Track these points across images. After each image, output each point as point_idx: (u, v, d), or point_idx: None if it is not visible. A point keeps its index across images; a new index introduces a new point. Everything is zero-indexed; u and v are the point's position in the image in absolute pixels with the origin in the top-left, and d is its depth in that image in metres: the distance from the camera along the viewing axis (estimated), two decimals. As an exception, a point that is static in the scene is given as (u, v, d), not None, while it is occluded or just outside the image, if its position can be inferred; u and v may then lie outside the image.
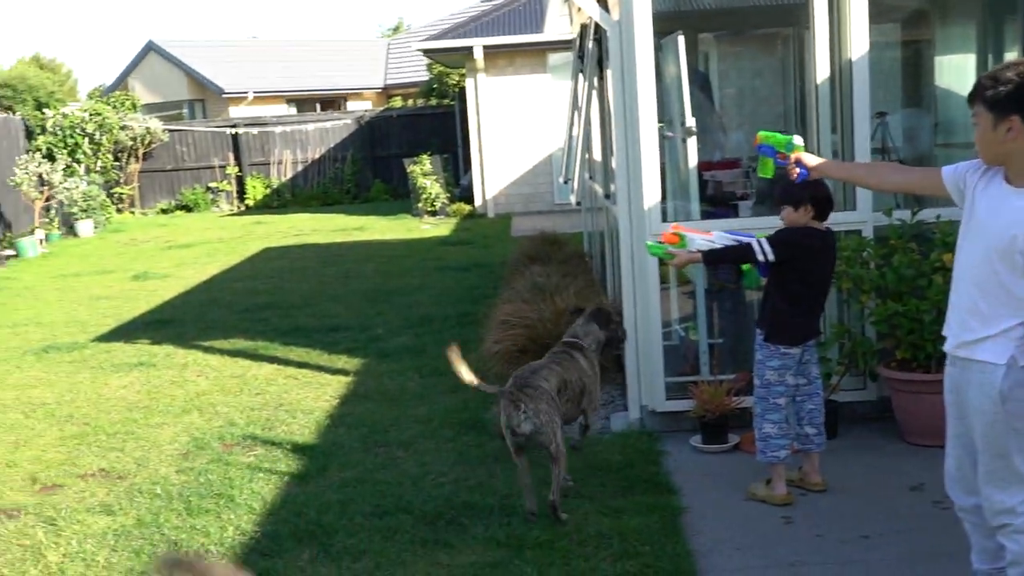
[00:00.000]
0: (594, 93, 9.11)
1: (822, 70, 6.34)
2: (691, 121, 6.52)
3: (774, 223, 5.46)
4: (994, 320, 3.52)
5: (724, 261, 5.31)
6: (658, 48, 6.45)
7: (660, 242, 5.29)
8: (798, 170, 4.46)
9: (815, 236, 5.17)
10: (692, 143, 6.62)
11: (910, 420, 6.03)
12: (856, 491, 5.39)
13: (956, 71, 9.70)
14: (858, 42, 6.18)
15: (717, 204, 8.29)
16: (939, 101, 9.87)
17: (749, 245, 5.11)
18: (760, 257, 5.06)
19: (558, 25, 12.27)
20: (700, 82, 9.35)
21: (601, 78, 8.79)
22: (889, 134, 9.47)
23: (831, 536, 4.89)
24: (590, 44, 8.95)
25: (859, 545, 4.78)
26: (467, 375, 5.25)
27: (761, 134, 4.64)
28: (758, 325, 5.35)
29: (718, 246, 5.22)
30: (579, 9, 7.31)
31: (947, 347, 3.75)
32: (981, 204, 3.60)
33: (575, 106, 10.21)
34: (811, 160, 4.46)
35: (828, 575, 4.52)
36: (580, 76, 9.99)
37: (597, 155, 9.76)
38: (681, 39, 6.63)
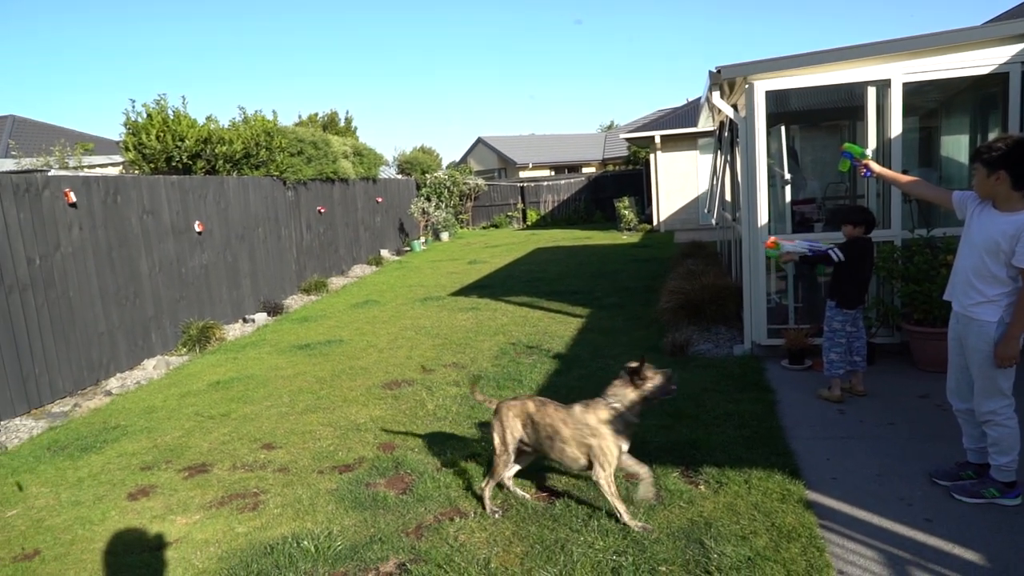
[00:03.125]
0: (726, 163, 8.70)
1: (872, 144, 5.80)
2: (787, 176, 6.12)
3: (834, 236, 5.10)
4: (986, 292, 3.31)
5: (814, 262, 4.97)
6: (768, 133, 6.08)
7: (767, 247, 5.01)
8: (864, 171, 4.05)
9: (866, 243, 4.88)
10: (788, 189, 6.22)
11: (920, 355, 5.49)
12: (886, 396, 4.95)
13: (953, 145, 8.79)
14: (895, 127, 5.62)
15: (801, 225, 7.79)
16: (942, 163, 8.96)
17: (828, 252, 4.82)
18: (835, 259, 4.80)
19: (704, 122, 11.82)
20: (791, 153, 8.78)
21: (732, 153, 8.37)
22: (911, 184, 8.64)
23: (869, 422, 4.53)
24: (726, 133, 8.55)
25: (886, 428, 4.40)
26: (479, 395, 3.97)
27: (846, 144, 4.17)
28: (830, 297, 5.00)
29: (802, 249, 4.88)
30: (720, 111, 6.99)
31: (955, 308, 3.49)
32: (976, 222, 3.40)
33: (714, 170, 9.82)
34: (875, 166, 4.00)
35: (867, 444, 4.18)
36: (718, 152, 9.58)
37: (727, 197, 9.31)
38: (783, 128, 6.25)
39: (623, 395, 3.50)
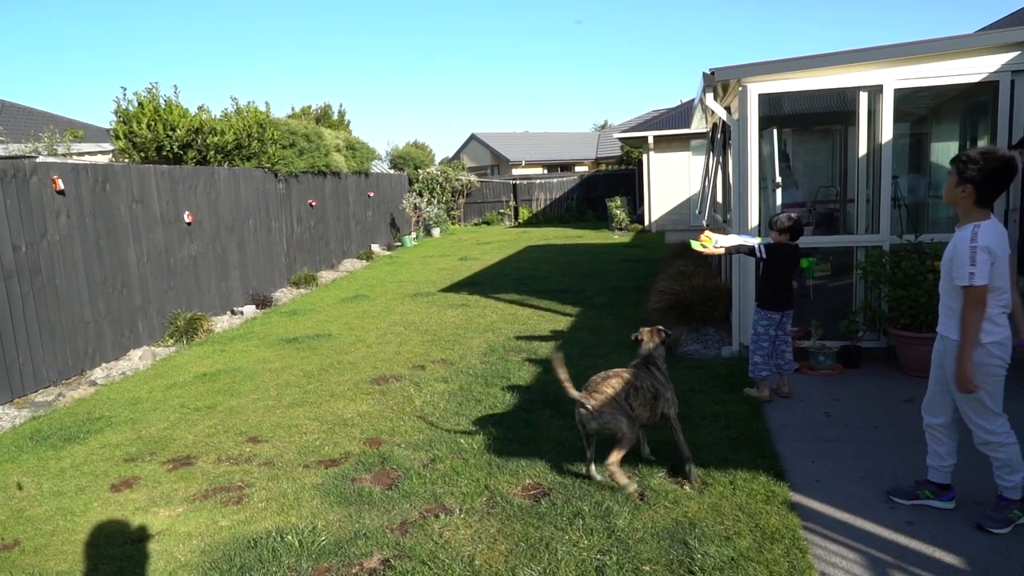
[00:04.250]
0: (718, 165, 8.71)
1: (863, 149, 5.86)
2: (778, 179, 6.15)
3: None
4: (955, 308, 3.22)
5: (738, 252, 5.02)
6: (760, 136, 6.09)
7: (698, 239, 5.03)
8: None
9: (789, 249, 5.04)
10: (778, 192, 6.24)
11: (906, 360, 5.52)
12: (871, 400, 4.98)
13: (942, 151, 8.85)
14: (886, 133, 5.65)
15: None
16: (932, 169, 9.01)
17: (753, 247, 4.96)
18: (758, 255, 4.95)
19: (698, 123, 11.87)
20: (783, 157, 8.82)
21: (724, 155, 8.37)
22: (900, 189, 8.67)
23: (854, 425, 4.55)
24: (719, 135, 8.55)
25: (871, 431, 4.43)
26: (564, 379, 3.79)
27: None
28: (756, 298, 5.14)
29: (733, 243, 5.00)
30: (713, 113, 6.98)
31: (939, 329, 3.38)
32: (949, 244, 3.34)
33: (706, 172, 9.81)
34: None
35: (851, 447, 4.20)
36: (710, 154, 9.58)
37: (719, 198, 9.33)
38: (775, 131, 6.27)
39: (662, 352, 4.17)
